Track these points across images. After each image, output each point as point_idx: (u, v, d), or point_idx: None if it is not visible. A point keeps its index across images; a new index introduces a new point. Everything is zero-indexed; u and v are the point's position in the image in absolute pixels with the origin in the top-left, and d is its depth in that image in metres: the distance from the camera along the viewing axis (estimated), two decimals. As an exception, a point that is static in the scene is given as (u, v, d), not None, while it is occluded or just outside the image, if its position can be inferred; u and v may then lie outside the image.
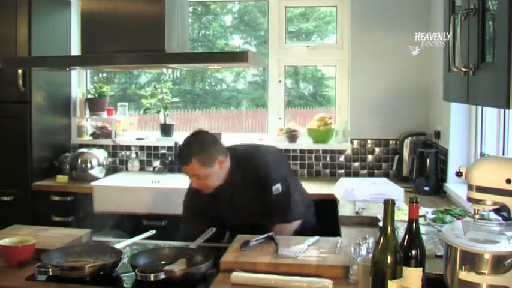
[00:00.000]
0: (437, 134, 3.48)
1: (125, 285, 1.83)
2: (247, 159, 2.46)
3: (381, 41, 3.79)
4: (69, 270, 1.80)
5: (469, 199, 1.61)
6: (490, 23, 1.56)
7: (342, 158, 3.95)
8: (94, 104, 4.16)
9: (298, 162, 3.98)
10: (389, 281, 1.44)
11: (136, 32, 2.29)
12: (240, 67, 4.02)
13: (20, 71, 3.57)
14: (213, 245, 2.16)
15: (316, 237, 2.11)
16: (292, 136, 3.98)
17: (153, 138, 4.17)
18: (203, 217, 2.48)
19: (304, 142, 4.01)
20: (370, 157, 3.93)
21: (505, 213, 1.79)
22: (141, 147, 4.15)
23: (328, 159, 3.96)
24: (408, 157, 3.64)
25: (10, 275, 1.84)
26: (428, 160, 3.30)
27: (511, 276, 1.43)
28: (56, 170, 3.84)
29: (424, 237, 1.59)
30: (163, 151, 4.11)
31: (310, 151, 3.97)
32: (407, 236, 1.51)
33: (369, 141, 3.93)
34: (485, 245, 1.47)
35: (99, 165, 3.79)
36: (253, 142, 2.98)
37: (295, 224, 2.51)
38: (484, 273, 1.45)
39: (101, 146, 4.06)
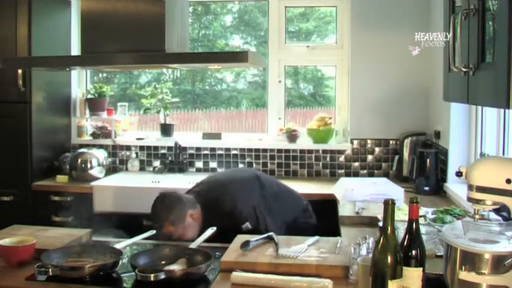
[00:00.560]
0: (437, 134, 3.48)
1: (124, 285, 1.83)
2: (215, 205, 2.52)
3: (381, 41, 3.79)
4: (69, 270, 1.80)
5: (469, 199, 1.61)
6: (490, 23, 1.56)
7: (342, 158, 3.96)
8: (94, 104, 4.16)
9: (298, 162, 3.98)
10: (389, 281, 1.44)
11: (136, 32, 2.28)
12: (240, 67, 4.02)
13: (20, 71, 3.57)
14: (213, 245, 2.16)
15: (316, 237, 2.11)
16: (292, 136, 3.98)
17: (153, 138, 4.17)
18: None
19: (304, 142, 4.01)
20: (370, 157, 3.93)
21: (505, 213, 1.79)
22: (141, 147, 4.15)
23: (328, 159, 3.96)
24: (408, 157, 3.64)
25: (10, 275, 1.84)
26: (428, 160, 3.30)
27: (511, 276, 1.43)
28: (56, 170, 3.84)
29: (424, 237, 1.59)
30: (163, 151, 4.11)
31: (310, 151, 3.97)
32: (407, 236, 1.51)
33: (369, 141, 3.93)
34: (485, 245, 1.47)
35: (99, 165, 3.79)
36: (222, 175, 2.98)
37: None
38: (484, 273, 1.46)
39: (101, 146, 4.06)
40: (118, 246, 2.04)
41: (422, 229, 1.89)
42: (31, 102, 3.66)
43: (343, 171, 3.95)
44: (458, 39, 1.74)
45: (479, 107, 2.93)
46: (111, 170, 4.06)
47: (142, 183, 3.72)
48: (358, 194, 2.95)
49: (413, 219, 1.51)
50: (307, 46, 4.10)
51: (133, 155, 4.14)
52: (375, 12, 3.82)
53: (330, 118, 4.00)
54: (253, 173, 2.83)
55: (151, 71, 4.48)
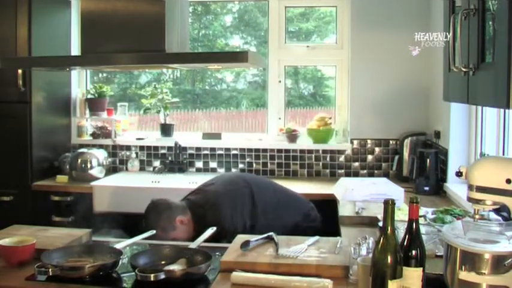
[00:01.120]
0: (437, 134, 3.48)
1: (125, 285, 1.82)
2: (202, 219, 2.52)
3: (381, 41, 3.79)
4: (69, 270, 1.80)
5: (469, 199, 1.61)
6: (490, 23, 1.56)
7: (342, 158, 3.96)
8: (94, 104, 4.16)
9: (298, 162, 3.98)
10: (389, 281, 1.44)
11: (136, 32, 2.28)
12: (240, 67, 4.02)
13: (20, 71, 3.57)
14: (213, 245, 2.16)
15: (316, 237, 2.11)
16: (292, 136, 3.98)
17: (153, 138, 4.17)
18: None
19: (304, 142, 4.01)
20: (370, 157, 3.93)
21: (505, 213, 1.79)
22: (141, 147, 4.15)
23: (328, 159, 3.96)
24: (408, 157, 3.64)
25: (10, 275, 1.84)
26: (428, 160, 3.30)
27: (511, 276, 1.43)
28: (56, 170, 3.84)
29: (424, 237, 1.59)
30: (163, 151, 4.11)
31: (310, 151, 3.97)
32: (407, 236, 1.51)
33: (369, 141, 3.93)
34: (485, 245, 1.47)
35: (99, 165, 3.79)
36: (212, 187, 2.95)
37: None
38: (484, 273, 1.46)
39: (101, 146, 4.06)
40: (118, 246, 2.04)
41: (422, 229, 1.89)
42: (31, 102, 3.66)
43: (343, 171, 3.95)
44: (458, 39, 1.74)
45: (479, 107, 2.93)
46: (111, 170, 4.06)
47: (142, 183, 3.72)
48: (358, 194, 2.95)
49: (413, 219, 1.51)
50: (307, 46, 4.10)
51: (133, 155, 4.14)
52: (375, 12, 3.82)
53: (330, 118, 4.00)
54: (248, 190, 2.71)
55: (151, 71, 4.48)
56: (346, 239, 2.15)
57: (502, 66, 1.39)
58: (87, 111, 4.21)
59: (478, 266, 1.46)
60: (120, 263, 1.88)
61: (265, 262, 1.86)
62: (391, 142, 3.90)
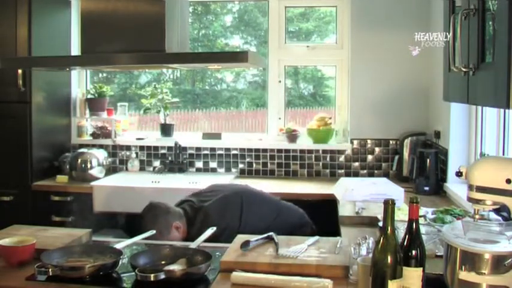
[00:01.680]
0: (437, 134, 3.48)
1: (125, 285, 1.82)
2: (193, 222, 2.55)
3: (381, 41, 3.79)
4: (69, 270, 1.80)
5: (469, 199, 1.61)
6: (490, 23, 1.56)
7: (342, 158, 3.96)
8: (94, 104, 4.16)
9: (298, 162, 3.98)
10: (389, 281, 1.44)
11: (136, 32, 2.28)
12: (240, 67, 4.02)
13: (20, 71, 3.57)
14: (213, 245, 2.16)
15: (316, 237, 2.11)
16: (292, 136, 3.98)
17: (153, 138, 4.17)
18: None
19: (304, 142, 4.01)
20: (370, 157, 3.93)
21: (505, 213, 1.79)
22: (141, 147, 4.15)
23: (328, 159, 3.96)
24: (408, 157, 3.64)
25: (10, 275, 1.84)
26: (428, 160, 3.30)
27: (511, 276, 1.43)
28: (56, 170, 3.85)
29: (424, 237, 1.59)
30: (163, 151, 4.12)
31: (310, 151, 3.97)
32: (407, 236, 1.51)
33: (369, 141, 3.93)
34: (485, 245, 1.47)
35: (99, 165, 3.79)
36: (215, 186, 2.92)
37: None
38: (484, 273, 1.45)
39: (101, 146, 4.06)
40: (118, 246, 2.04)
41: (422, 229, 1.89)
42: (31, 102, 3.66)
43: (343, 171, 3.95)
44: (458, 39, 1.74)
45: (479, 107, 2.93)
46: (111, 170, 4.06)
47: (142, 183, 3.72)
48: (358, 194, 2.94)
49: (413, 219, 1.51)
50: (307, 46, 4.11)
51: (134, 155, 4.14)
52: (375, 12, 3.82)
53: (330, 118, 4.00)
54: (238, 210, 2.63)
55: (151, 71, 4.48)
56: (346, 239, 2.15)
57: (502, 66, 1.39)
58: (87, 111, 4.21)
59: (478, 266, 1.46)
60: (120, 263, 1.88)
61: (265, 262, 1.86)
62: (391, 142, 3.90)
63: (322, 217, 2.89)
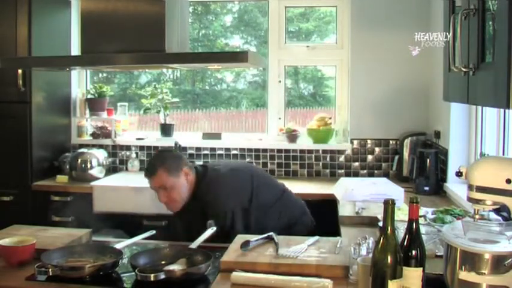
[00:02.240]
0: (437, 134, 3.48)
1: (125, 285, 1.83)
2: (202, 187, 2.53)
3: (381, 41, 3.79)
4: (69, 270, 1.80)
5: (469, 199, 1.61)
6: (490, 23, 1.56)
7: (342, 158, 3.96)
8: (94, 104, 4.16)
9: (298, 162, 3.98)
10: (389, 281, 1.44)
11: (136, 32, 2.28)
12: (240, 67, 4.02)
13: (20, 71, 3.57)
14: (213, 245, 2.16)
15: (316, 237, 2.11)
16: (292, 136, 3.98)
17: (153, 138, 4.17)
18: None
19: (304, 142, 4.01)
20: (370, 157, 3.93)
21: (505, 213, 1.79)
22: (141, 147, 4.15)
23: (328, 159, 3.96)
24: (408, 157, 3.64)
25: (10, 275, 1.84)
26: (428, 160, 3.30)
27: (511, 276, 1.43)
28: (56, 170, 3.84)
29: (424, 237, 1.59)
30: (163, 151, 4.11)
31: (310, 151, 3.97)
32: (407, 236, 1.51)
33: (369, 141, 3.93)
34: (485, 245, 1.47)
35: (99, 165, 3.79)
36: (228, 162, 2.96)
37: None
38: (484, 273, 1.46)
39: (101, 146, 4.06)
40: (118, 246, 2.04)
41: (422, 229, 1.89)
42: (31, 102, 3.65)
43: (343, 171, 3.95)
44: (458, 39, 1.74)
45: (479, 107, 2.93)
46: (111, 170, 4.06)
47: (142, 183, 3.68)
48: (358, 194, 2.94)
49: (413, 219, 1.51)
50: (307, 46, 4.11)
51: (133, 155, 4.14)
52: (375, 12, 3.82)
53: (330, 118, 4.00)
54: (249, 185, 2.63)
55: (151, 71, 4.48)
56: (346, 239, 2.15)
57: (502, 66, 1.39)
58: (87, 111, 4.21)
59: (478, 266, 1.46)
60: (120, 263, 1.88)
61: (265, 262, 1.86)
62: (391, 142, 3.90)
63: (322, 217, 2.89)
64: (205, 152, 4.08)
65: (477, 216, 1.58)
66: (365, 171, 3.93)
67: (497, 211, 1.73)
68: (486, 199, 1.55)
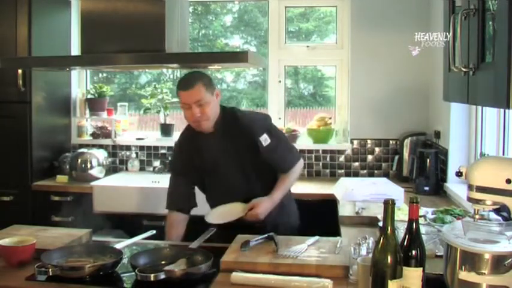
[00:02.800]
0: (437, 134, 3.48)
1: (125, 285, 1.83)
2: (233, 115, 2.52)
3: (381, 41, 3.79)
4: (69, 270, 1.80)
5: (469, 199, 1.61)
6: (490, 23, 1.56)
7: (342, 158, 3.96)
8: (94, 104, 4.16)
9: (298, 162, 3.98)
10: (389, 281, 1.44)
11: (136, 32, 2.28)
12: (240, 67, 4.01)
13: (20, 71, 3.57)
14: (213, 245, 2.16)
15: (316, 237, 2.11)
16: (292, 136, 3.97)
17: (153, 138, 4.17)
18: (192, 172, 2.61)
19: (304, 142, 4.01)
20: (370, 157, 3.93)
21: (505, 213, 1.79)
22: (141, 147, 4.15)
23: (328, 159, 3.96)
24: (408, 157, 3.64)
25: (10, 275, 1.84)
26: (428, 160, 3.30)
27: (511, 276, 1.43)
28: (56, 170, 3.84)
29: (424, 237, 1.59)
30: (163, 151, 4.11)
31: (310, 151, 3.97)
32: (407, 236, 1.51)
33: (369, 141, 3.93)
34: (485, 245, 1.47)
35: (99, 165, 3.79)
36: None
37: (298, 165, 2.59)
38: (484, 273, 1.46)
39: (101, 146, 4.06)
40: (118, 246, 2.04)
41: (422, 229, 1.89)
42: (31, 102, 3.66)
43: (343, 171, 3.95)
44: (458, 39, 1.74)
45: (479, 107, 2.93)
46: (111, 170, 4.06)
47: (142, 183, 3.72)
48: (358, 194, 2.94)
49: (413, 219, 1.51)
50: (307, 46, 4.11)
51: (134, 155, 4.14)
52: (375, 12, 3.82)
53: (330, 118, 4.00)
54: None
55: (151, 71, 4.48)
56: (346, 239, 2.15)
57: (502, 66, 1.39)
58: (87, 111, 4.21)
59: (478, 266, 1.46)
60: (120, 263, 1.88)
61: (265, 262, 1.86)
62: (391, 142, 3.90)
63: (322, 217, 2.89)
64: (205, 152, 4.08)
65: (477, 216, 1.58)
66: (365, 171, 3.93)
67: (497, 211, 1.73)
68: (486, 199, 1.55)
